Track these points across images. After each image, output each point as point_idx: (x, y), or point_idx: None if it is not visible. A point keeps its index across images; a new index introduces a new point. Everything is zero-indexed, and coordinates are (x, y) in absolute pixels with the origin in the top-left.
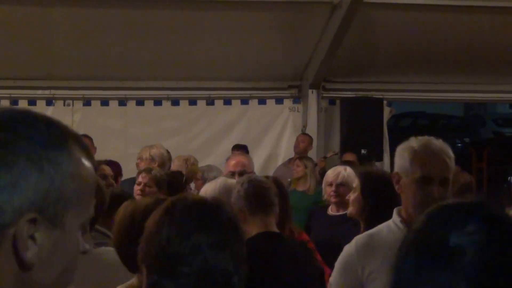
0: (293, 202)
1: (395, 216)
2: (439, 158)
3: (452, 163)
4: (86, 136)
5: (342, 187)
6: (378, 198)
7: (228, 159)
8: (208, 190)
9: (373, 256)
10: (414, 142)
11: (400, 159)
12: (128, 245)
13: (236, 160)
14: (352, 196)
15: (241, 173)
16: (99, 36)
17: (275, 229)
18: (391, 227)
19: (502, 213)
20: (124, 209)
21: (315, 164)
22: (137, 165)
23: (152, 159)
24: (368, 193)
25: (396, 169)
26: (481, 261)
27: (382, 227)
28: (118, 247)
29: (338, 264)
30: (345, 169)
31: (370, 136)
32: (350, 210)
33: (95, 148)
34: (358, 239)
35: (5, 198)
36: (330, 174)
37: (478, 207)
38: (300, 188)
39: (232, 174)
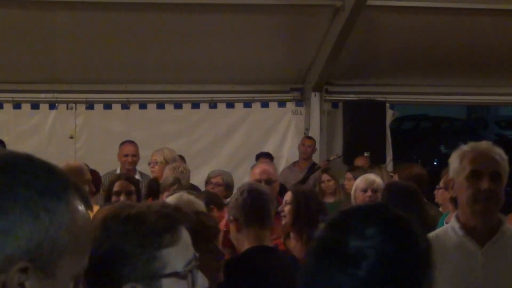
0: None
1: (453, 221)
2: (487, 154)
3: (504, 162)
4: (131, 141)
5: (375, 194)
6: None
7: (253, 167)
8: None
9: (438, 258)
10: (465, 146)
11: (452, 163)
12: None
13: (261, 169)
14: None
15: (267, 182)
16: (101, 40)
17: (269, 242)
18: (448, 231)
19: (399, 215)
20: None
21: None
22: (151, 168)
23: (166, 162)
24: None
25: (450, 175)
26: (380, 263)
27: (441, 231)
28: None
29: None
30: (377, 177)
31: (372, 139)
32: None
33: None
34: None
35: None
36: (363, 181)
37: (376, 211)
38: (330, 199)
39: (258, 182)
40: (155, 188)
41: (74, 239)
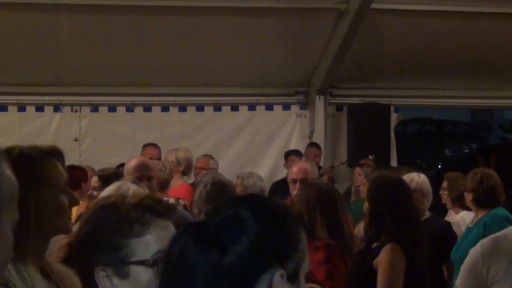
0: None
1: None
2: None
3: None
4: (154, 145)
5: (415, 193)
6: (387, 204)
7: (291, 166)
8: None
9: (498, 259)
10: None
11: None
12: None
13: (298, 167)
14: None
15: (302, 181)
16: (106, 42)
17: None
18: None
19: (270, 199)
20: None
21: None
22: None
23: (178, 162)
24: (377, 200)
25: None
26: (241, 242)
27: (508, 231)
28: None
29: (464, 267)
30: (419, 176)
31: (377, 142)
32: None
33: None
34: (483, 243)
35: None
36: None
37: (248, 197)
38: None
39: (294, 182)
40: None
41: (10, 194)
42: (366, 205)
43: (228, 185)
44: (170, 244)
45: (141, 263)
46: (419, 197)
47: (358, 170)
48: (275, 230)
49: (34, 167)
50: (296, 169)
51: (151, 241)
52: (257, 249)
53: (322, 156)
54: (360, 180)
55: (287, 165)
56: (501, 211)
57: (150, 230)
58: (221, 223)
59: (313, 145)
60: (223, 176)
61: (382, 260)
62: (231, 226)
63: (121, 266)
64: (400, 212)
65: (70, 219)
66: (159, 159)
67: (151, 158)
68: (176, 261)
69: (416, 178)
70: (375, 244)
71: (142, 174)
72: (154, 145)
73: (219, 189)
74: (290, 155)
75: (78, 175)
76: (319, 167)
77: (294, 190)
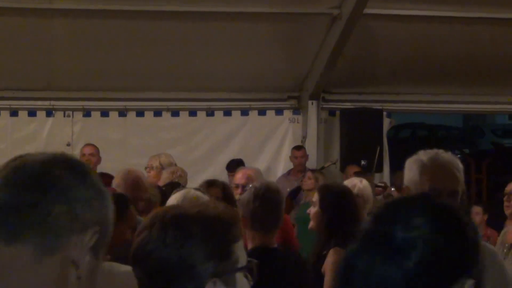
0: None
1: None
2: (447, 171)
3: (461, 175)
4: (92, 144)
5: (357, 198)
6: (337, 212)
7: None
8: (174, 199)
9: None
10: (422, 155)
11: (409, 172)
12: None
13: (242, 173)
14: (312, 211)
15: (245, 186)
16: (99, 47)
17: (273, 243)
18: None
19: (445, 204)
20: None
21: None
22: (147, 173)
23: (162, 167)
24: (326, 207)
25: (405, 182)
26: (428, 254)
27: None
28: None
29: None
30: (361, 181)
31: (369, 147)
32: (311, 224)
33: (99, 157)
34: None
35: None
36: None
37: (421, 201)
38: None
39: (237, 187)
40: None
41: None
42: (310, 209)
43: (277, 201)
44: (351, 257)
45: (243, 269)
46: (360, 202)
47: (309, 174)
48: (459, 239)
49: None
50: (239, 175)
51: (242, 245)
52: (445, 258)
53: (315, 161)
54: (310, 184)
55: (292, 158)
56: None
57: (240, 233)
58: (405, 231)
59: (299, 147)
60: (274, 191)
61: (327, 264)
62: (415, 234)
63: (231, 275)
64: (345, 219)
65: None
66: (92, 154)
67: (84, 155)
68: (364, 276)
69: (358, 184)
70: (325, 252)
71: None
72: (91, 145)
73: (267, 208)
74: (233, 164)
75: (106, 182)
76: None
77: (237, 195)
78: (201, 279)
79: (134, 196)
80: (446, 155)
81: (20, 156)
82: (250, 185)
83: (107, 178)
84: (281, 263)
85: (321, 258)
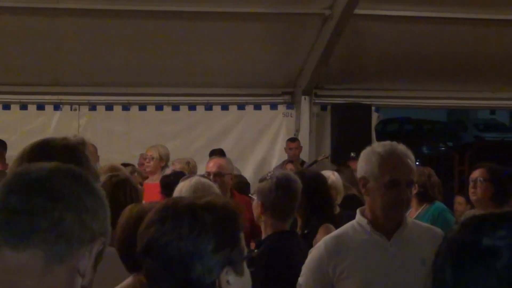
0: None
1: (359, 217)
2: (405, 163)
3: (414, 165)
4: (90, 144)
5: (330, 190)
6: (312, 196)
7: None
8: (183, 187)
9: (343, 255)
10: (379, 147)
11: (367, 164)
12: (130, 245)
13: (214, 162)
14: None
15: (216, 174)
16: (104, 45)
17: (287, 228)
18: (356, 227)
19: None
20: (129, 211)
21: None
22: (144, 163)
23: (161, 158)
24: (303, 192)
25: (362, 173)
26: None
27: (347, 227)
28: (120, 246)
29: (307, 266)
30: (333, 174)
31: (359, 140)
32: None
33: (98, 157)
34: (326, 241)
35: None
36: None
37: (508, 215)
38: None
39: (209, 175)
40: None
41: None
42: None
43: (296, 191)
44: (442, 265)
45: (248, 258)
46: (332, 194)
47: (291, 166)
48: None
49: (77, 156)
50: (211, 164)
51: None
52: None
53: (307, 153)
54: None
55: (287, 149)
56: (441, 205)
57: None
58: (487, 240)
59: (293, 139)
60: (294, 182)
61: (321, 238)
62: (495, 241)
63: (240, 263)
64: (321, 200)
65: None
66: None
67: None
68: (453, 276)
69: (331, 177)
70: (306, 231)
71: None
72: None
73: (287, 197)
74: (214, 154)
75: None
76: (303, 162)
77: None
78: (215, 268)
79: None
80: (401, 147)
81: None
82: (269, 175)
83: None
84: (297, 242)
85: (304, 237)
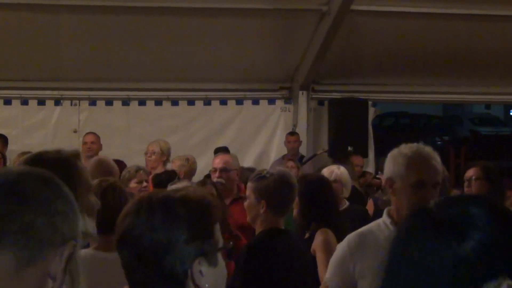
0: None
1: (385, 217)
2: (431, 164)
3: (440, 167)
4: (93, 133)
5: (334, 184)
6: (314, 201)
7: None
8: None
9: (364, 254)
10: (406, 149)
11: (393, 164)
12: None
13: (220, 158)
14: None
15: (222, 170)
16: (104, 41)
17: (281, 225)
18: (381, 227)
19: (503, 205)
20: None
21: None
22: (148, 158)
23: (162, 152)
24: (303, 196)
25: (389, 174)
26: (484, 242)
27: (373, 226)
28: None
29: (333, 261)
30: (338, 168)
31: (356, 134)
32: (294, 212)
33: (100, 145)
34: (350, 238)
35: None
36: (325, 172)
37: (478, 197)
38: None
39: (215, 171)
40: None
41: None
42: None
43: (293, 188)
44: (403, 235)
45: (223, 249)
46: (338, 187)
47: (291, 164)
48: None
49: (70, 169)
50: (217, 160)
51: (219, 227)
52: (488, 250)
53: (305, 147)
54: (294, 172)
55: (286, 143)
56: None
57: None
58: (458, 217)
59: (292, 133)
60: (292, 178)
61: (318, 242)
62: (471, 220)
63: (213, 254)
64: (321, 205)
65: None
66: (93, 142)
67: (86, 143)
68: (407, 247)
69: (336, 170)
70: (307, 235)
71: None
72: (92, 133)
73: (286, 193)
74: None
75: (121, 168)
76: (302, 157)
77: (214, 178)
78: (187, 258)
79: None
80: (427, 149)
81: None
82: (267, 172)
83: (122, 165)
84: (290, 241)
85: (304, 242)
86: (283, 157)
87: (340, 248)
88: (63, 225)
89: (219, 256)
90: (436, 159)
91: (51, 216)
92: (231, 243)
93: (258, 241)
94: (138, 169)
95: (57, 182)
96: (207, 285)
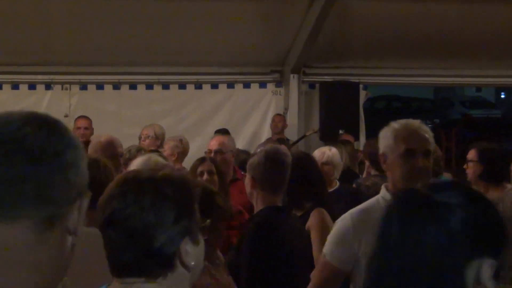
0: None
1: (383, 191)
2: (419, 133)
3: (431, 139)
4: (85, 117)
5: (326, 166)
6: (298, 176)
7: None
8: (135, 164)
9: (368, 230)
10: (395, 123)
11: (383, 139)
12: None
13: (216, 140)
14: None
15: (217, 152)
16: (94, 25)
17: (279, 203)
18: (380, 202)
19: (479, 191)
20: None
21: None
22: (142, 142)
23: (156, 137)
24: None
25: (381, 150)
26: (466, 222)
27: (372, 202)
28: None
29: (333, 237)
30: (330, 149)
31: (347, 117)
32: None
33: (92, 129)
34: (353, 214)
35: None
36: (316, 154)
37: (453, 182)
38: None
39: (210, 152)
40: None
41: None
42: None
43: (285, 163)
44: (390, 214)
45: (204, 228)
46: (329, 169)
47: (283, 146)
48: (491, 218)
49: None
50: (213, 141)
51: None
52: (471, 229)
53: (296, 130)
54: None
55: (272, 125)
56: (448, 178)
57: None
58: (442, 197)
59: (278, 114)
60: (283, 153)
61: (314, 222)
62: (449, 199)
63: (196, 233)
64: (307, 181)
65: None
66: (86, 128)
67: (79, 128)
68: (401, 233)
69: (327, 152)
70: (299, 213)
71: (109, 152)
72: (84, 117)
73: (277, 169)
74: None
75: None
76: (287, 139)
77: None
78: (176, 238)
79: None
80: (416, 122)
81: None
82: (259, 149)
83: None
84: (290, 219)
85: (298, 219)
86: (268, 140)
87: (342, 224)
88: (76, 178)
89: (199, 234)
90: (425, 129)
91: (64, 171)
92: (208, 221)
93: (265, 217)
94: (139, 150)
95: (62, 127)
96: (192, 263)
